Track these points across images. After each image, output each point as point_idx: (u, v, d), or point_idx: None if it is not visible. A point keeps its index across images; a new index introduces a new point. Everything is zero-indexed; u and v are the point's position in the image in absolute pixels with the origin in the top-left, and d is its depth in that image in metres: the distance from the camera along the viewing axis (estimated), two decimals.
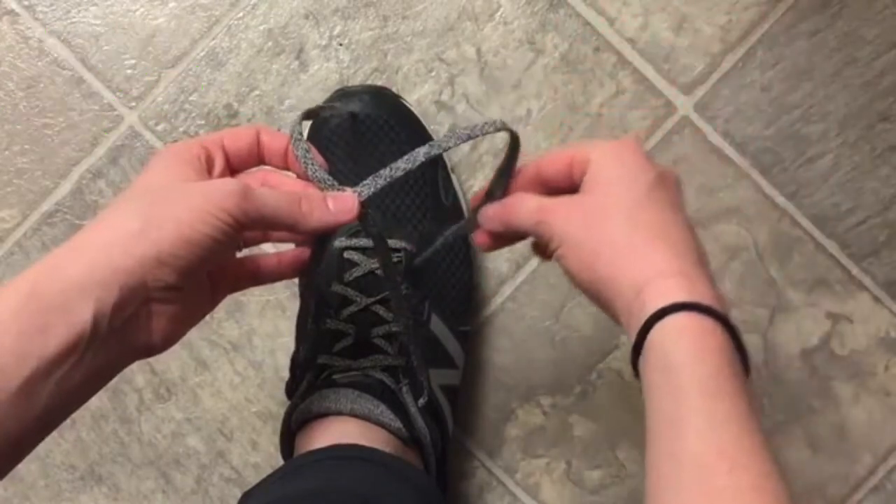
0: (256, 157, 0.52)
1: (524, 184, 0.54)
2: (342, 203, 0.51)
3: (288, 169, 0.53)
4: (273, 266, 0.55)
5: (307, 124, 0.69)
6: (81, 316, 0.43)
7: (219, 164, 0.50)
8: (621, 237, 0.47)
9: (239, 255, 0.54)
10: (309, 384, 0.64)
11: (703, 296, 0.44)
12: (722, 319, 0.44)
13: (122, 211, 0.46)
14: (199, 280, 0.50)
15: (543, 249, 0.52)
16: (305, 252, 0.56)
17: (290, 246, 0.60)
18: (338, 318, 0.64)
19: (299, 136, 0.51)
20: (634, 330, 0.45)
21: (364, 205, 0.51)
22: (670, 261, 0.46)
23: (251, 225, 0.47)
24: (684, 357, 0.43)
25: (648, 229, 0.47)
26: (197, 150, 0.49)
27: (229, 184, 0.47)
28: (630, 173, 0.49)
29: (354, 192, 0.51)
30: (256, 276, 0.55)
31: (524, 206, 0.52)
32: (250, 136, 0.52)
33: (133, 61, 0.75)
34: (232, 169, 0.51)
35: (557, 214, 0.50)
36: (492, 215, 0.54)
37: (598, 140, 0.50)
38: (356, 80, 0.74)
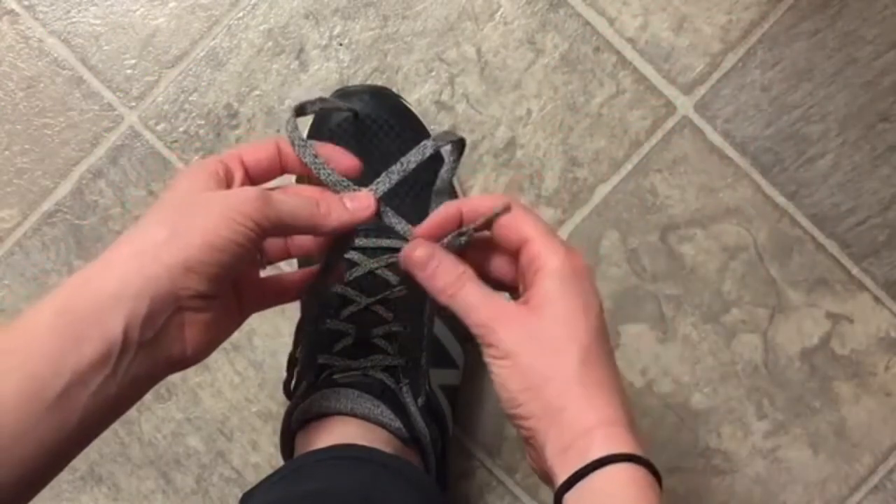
0: (277, 169, 0.53)
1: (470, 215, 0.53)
2: (359, 201, 0.52)
3: (310, 175, 0.53)
4: (297, 281, 0.56)
5: (304, 124, 0.69)
6: (114, 327, 0.44)
7: (238, 177, 0.51)
8: (575, 374, 0.48)
9: (263, 274, 0.55)
10: (309, 384, 0.64)
11: (642, 449, 0.47)
12: (655, 473, 0.47)
13: (149, 223, 0.47)
14: (226, 292, 0.51)
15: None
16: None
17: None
18: (338, 318, 0.65)
19: (302, 143, 0.52)
20: (569, 467, 0.46)
21: (379, 202, 0.52)
22: (617, 410, 0.48)
23: (273, 230, 0.48)
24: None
25: (600, 371, 0.49)
26: (215, 165, 0.50)
27: (249, 191, 0.48)
28: (584, 303, 0.49)
29: (370, 189, 0.52)
30: (280, 293, 0.56)
31: (469, 297, 0.50)
32: (270, 149, 0.52)
33: (133, 61, 0.75)
34: (252, 182, 0.52)
35: (505, 325, 0.49)
36: (430, 274, 0.51)
37: (557, 244, 0.50)
38: (356, 80, 0.74)
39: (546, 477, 0.50)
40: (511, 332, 0.49)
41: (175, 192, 0.49)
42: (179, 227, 0.46)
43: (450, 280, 0.50)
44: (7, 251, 0.75)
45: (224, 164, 0.51)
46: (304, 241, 0.56)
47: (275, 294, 0.56)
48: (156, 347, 0.46)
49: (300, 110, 0.55)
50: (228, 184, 0.50)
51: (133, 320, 0.44)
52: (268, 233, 0.48)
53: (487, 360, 0.50)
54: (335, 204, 0.51)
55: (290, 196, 0.50)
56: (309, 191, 0.53)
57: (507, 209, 0.51)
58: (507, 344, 0.48)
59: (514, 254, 0.51)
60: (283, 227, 0.49)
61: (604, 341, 0.49)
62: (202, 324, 0.48)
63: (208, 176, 0.49)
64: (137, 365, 0.45)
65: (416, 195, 0.67)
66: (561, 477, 0.46)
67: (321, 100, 0.57)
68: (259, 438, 0.75)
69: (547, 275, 0.49)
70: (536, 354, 0.48)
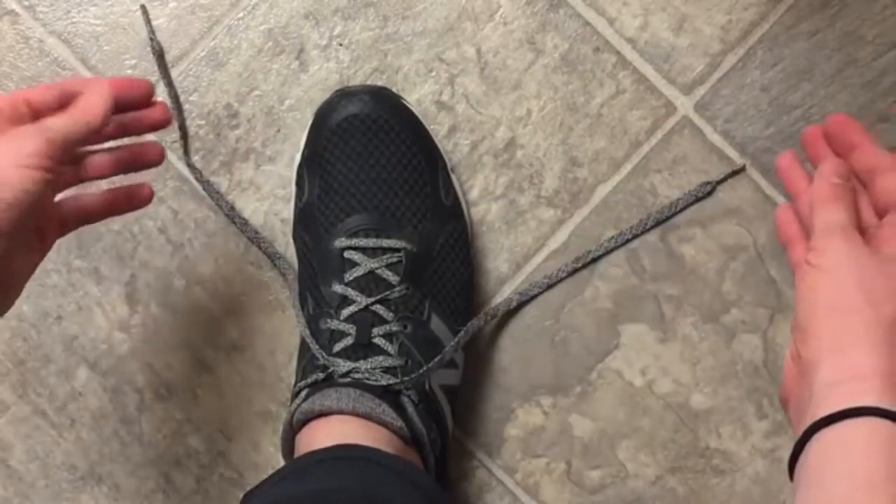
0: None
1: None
2: (92, 86, 0.53)
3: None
4: (99, 202, 0.57)
5: (303, 125, 0.69)
6: None
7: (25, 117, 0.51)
8: (888, 322, 0.46)
9: (57, 198, 0.56)
10: (310, 384, 0.64)
11: None
12: None
13: None
14: (26, 231, 0.51)
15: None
16: (141, 188, 0.59)
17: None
18: (338, 318, 0.65)
19: None
20: (834, 402, 0.44)
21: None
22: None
23: (63, 156, 0.49)
24: (878, 461, 0.43)
25: None
26: None
27: (23, 131, 0.49)
28: None
29: None
30: (82, 215, 0.57)
31: (828, 212, 0.50)
32: (57, 89, 0.52)
33: (133, 61, 0.75)
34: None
35: (843, 242, 0.49)
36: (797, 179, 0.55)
37: None
38: (356, 80, 0.74)
39: (789, 403, 0.49)
40: (846, 249, 0.48)
41: None
42: None
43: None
44: None
45: (8, 101, 0.50)
46: (100, 162, 0.56)
47: (76, 217, 0.56)
48: None
49: None
50: (16, 122, 0.50)
51: None
52: (62, 161, 0.49)
53: (804, 265, 0.49)
54: (87, 97, 0.51)
55: (57, 116, 0.50)
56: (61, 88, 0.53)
57: None
58: (837, 258, 0.48)
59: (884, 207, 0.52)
60: (69, 147, 0.50)
61: None
62: (9, 269, 0.49)
63: None
64: None
65: None
66: (822, 409, 0.44)
67: None
68: (259, 438, 0.75)
69: None
70: (860, 285, 0.47)
